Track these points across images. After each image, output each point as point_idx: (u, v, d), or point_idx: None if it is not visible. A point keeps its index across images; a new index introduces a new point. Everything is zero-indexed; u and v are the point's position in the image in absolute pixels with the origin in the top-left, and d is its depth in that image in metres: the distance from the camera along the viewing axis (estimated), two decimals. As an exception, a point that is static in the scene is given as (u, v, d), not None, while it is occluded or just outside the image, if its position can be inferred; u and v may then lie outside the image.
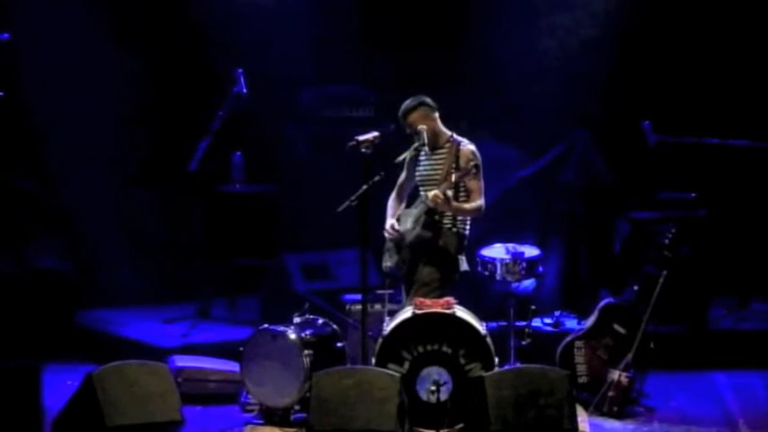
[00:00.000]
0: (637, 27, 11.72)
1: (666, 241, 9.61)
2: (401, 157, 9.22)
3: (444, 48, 12.09)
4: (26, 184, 11.66)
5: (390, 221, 9.36)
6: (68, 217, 11.83)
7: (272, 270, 11.33)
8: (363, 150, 9.02)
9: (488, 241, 10.01)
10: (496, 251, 9.95)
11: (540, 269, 10.11)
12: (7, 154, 11.45)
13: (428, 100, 9.28)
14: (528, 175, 11.47)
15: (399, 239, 9.29)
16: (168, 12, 12.00)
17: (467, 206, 9.17)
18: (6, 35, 10.36)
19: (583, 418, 9.07)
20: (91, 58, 11.71)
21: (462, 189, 9.18)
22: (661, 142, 10.81)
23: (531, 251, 10.06)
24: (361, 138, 9.06)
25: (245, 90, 10.88)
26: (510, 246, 9.97)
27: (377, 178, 8.94)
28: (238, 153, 11.60)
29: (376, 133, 9.12)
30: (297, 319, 9.48)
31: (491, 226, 9.97)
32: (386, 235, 9.34)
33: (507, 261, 9.88)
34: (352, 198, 8.90)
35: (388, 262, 9.39)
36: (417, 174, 9.39)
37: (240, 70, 10.91)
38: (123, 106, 11.89)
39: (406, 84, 11.83)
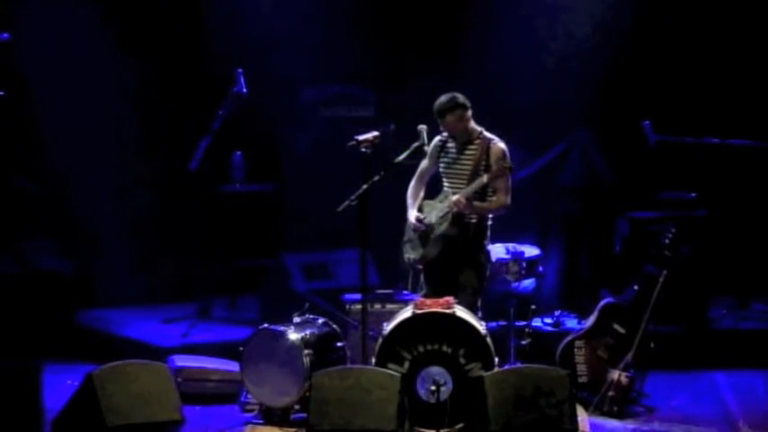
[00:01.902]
0: (637, 27, 11.72)
1: (666, 241, 9.61)
2: (400, 157, 9.23)
3: (444, 47, 12.09)
4: (26, 184, 11.66)
5: (414, 213, 9.41)
6: (68, 217, 11.84)
7: (272, 270, 11.33)
8: (363, 150, 9.04)
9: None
10: (496, 251, 9.96)
11: (540, 269, 10.12)
12: (7, 154, 11.45)
13: (461, 99, 9.30)
14: (528, 174, 11.47)
15: (422, 231, 9.34)
16: (169, 12, 12.00)
17: (489, 206, 9.29)
18: (6, 35, 10.36)
19: (583, 418, 9.07)
20: (91, 57, 11.71)
21: (490, 187, 9.25)
22: (661, 142, 10.81)
23: (531, 251, 10.07)
24: (361, 138, 9.07)
25: (245, 90, 10.88)
26: (510, 246, 9.99)
27: (377, 178, 8.95)
28: (238, 153, 11.60)
29: (376, 133, 9.14)
30: (297, 319, 9.49)
31: (491, 226, 9.95)
32: (411, 227, 9.37)
33: (507, 261, 9.89)
34: (352, 198, 8.91)
35: (411, 254, 9.44)
36: (442, 164, 9.43)
37: (240, 70, 10.91)
38: (123, 106, 11.88)
39: (407, 84, 11.86)
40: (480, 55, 11.82)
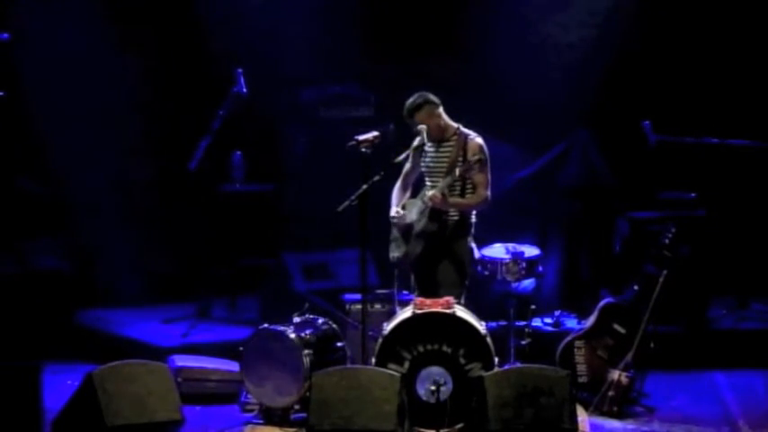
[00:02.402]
0: (637, 27, 11.73)
1: (666, 241, 9.61)
2: (400, 157, 9.24)
3: (444, 47, 12.09)
4: (26, 183, 11.66)
5: (395, 209, 9.41)
6: (68, 217, 11.84)
7: (272, 270, 11.33)
8: (363, 150, 9.04)
9: (488, 241, 10.01)
10: (496, 251, 9.96)
11: (540, 269, 10.11)
12: (8, 154, 11.45)
13: (431, 96, 9.33)
14: (528, 174, 11.48)
15: (405, 229, 9.35)
16: (169, 11, 12.00)
17: (467, 201, 9.28)
18: (6, 35, 10.36)
19: (583, 418, 9.07)
20: (91, 57, 11.71)
21: (469, 182, 9.25)
22: (661, 142, 10.81)
23: (531, 251, 10.06)
24: (361, 138, 9.07)
25: (244, 90, 10.89)
26: (510, 246, 9.98)
27: (377, 178, 8.95)
28: (238, 153, 11.60)
29: (376, 133, 9.14)
30: (297, 319, 9.49)
31: (491, 226, 9.97)
32: (392, 222, 9.40)
33: (507, 261, 9.89)
34: (352, 198, 8.91)
35: (395, 252, 9.46)
36: (423, 165, 9.46)
37: (240, 70, 10.91)
38: (123, 106, 11.89)
39: (406, 84, 11.84)
40: (480, 55, 11.82)
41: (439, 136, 9.36)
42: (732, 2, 11.72)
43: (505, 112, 11.54)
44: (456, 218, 9.33)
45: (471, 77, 11.79)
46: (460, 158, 9.26)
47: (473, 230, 9.43)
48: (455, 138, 9.34)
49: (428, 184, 9.44)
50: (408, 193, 9.59)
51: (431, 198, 9.19)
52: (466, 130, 9.37)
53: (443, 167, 9.31)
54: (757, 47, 11.73)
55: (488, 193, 9.29)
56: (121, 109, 11.89)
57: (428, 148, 9.40)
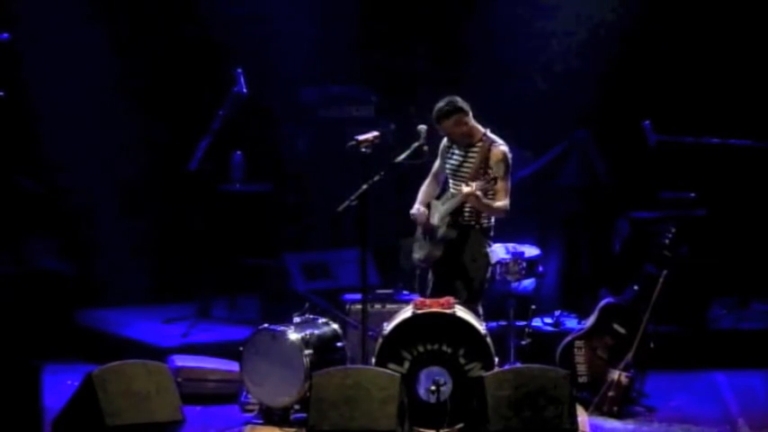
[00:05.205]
0: (637, 27, 11.73)
1: (666, 241, 9.61)
2: (400, 157, 9.24)
3: (445, 47, 12.10)
4: (26, 183, 11.66)
5: (417, 206, 9.43)
6: (68, 216, 11.84)
7: (272, 270, 11.33)
8: (363, 150, 9.04)
9: (488, 241, 10.01)
10: (496, 251, 9.95)
11: (540, 269, 10.12)
12: (7, 154, 11.45)
13: (460, 103, 9.25)
14: (528, 174, 11.47)
15: (428, 230, 9.32)
16: (169, 12, 12.01)
17: (492, 204, 9.22)
18: (6, 35, 10.37)
19: (583, 418, 9.07)
20: (91, 57, 11.72)
21: (490, 190, 9.23)
22: (661, 142, 10.81)
23: (531, 251, 10.07)
24: (361, 138, 9.08)
25: (245, 90, 10.88)
26: (510, 245, 9.98)
27: (377, 178, 8.96)
28: (238, 153, 11.60)
29: (376, 133, 9.15)
30: (297, 319, 9.49)
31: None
32: (412, 218, 9.38)
33: (507, 261, 9.89)
34: (352, 198, 8.92)
35: (417, 254, 9.46)
36: (447, 165, 9.44)
37: (240, 70, 10.91)
38: (123, 106, 11.88)
39: (407, 83, 11.87)
40: (480, 55, 11.83)
41: (465, 141, 9.33)
42: (732, 2, 11.72)
43: (505, 111, 11.53)
44: (475, 225, 9.30)
45: (471, 77, 11.78)
46: (483, 165, 9.23)
47: (492, 234, 9.40)
48: (480, 144, 9.31)
49: (451, 185, 9.42)
50: (437, 192, 9.56)
51: (467, 194, 9.11)
52: (492, 136, 9.32)
53: (468, 172, 9.27)
54: (757, 47, 11.72)
55: (507, 201, 9.26)
56: (121, 109, 11.89)
57: (455, 149, 9.39)
